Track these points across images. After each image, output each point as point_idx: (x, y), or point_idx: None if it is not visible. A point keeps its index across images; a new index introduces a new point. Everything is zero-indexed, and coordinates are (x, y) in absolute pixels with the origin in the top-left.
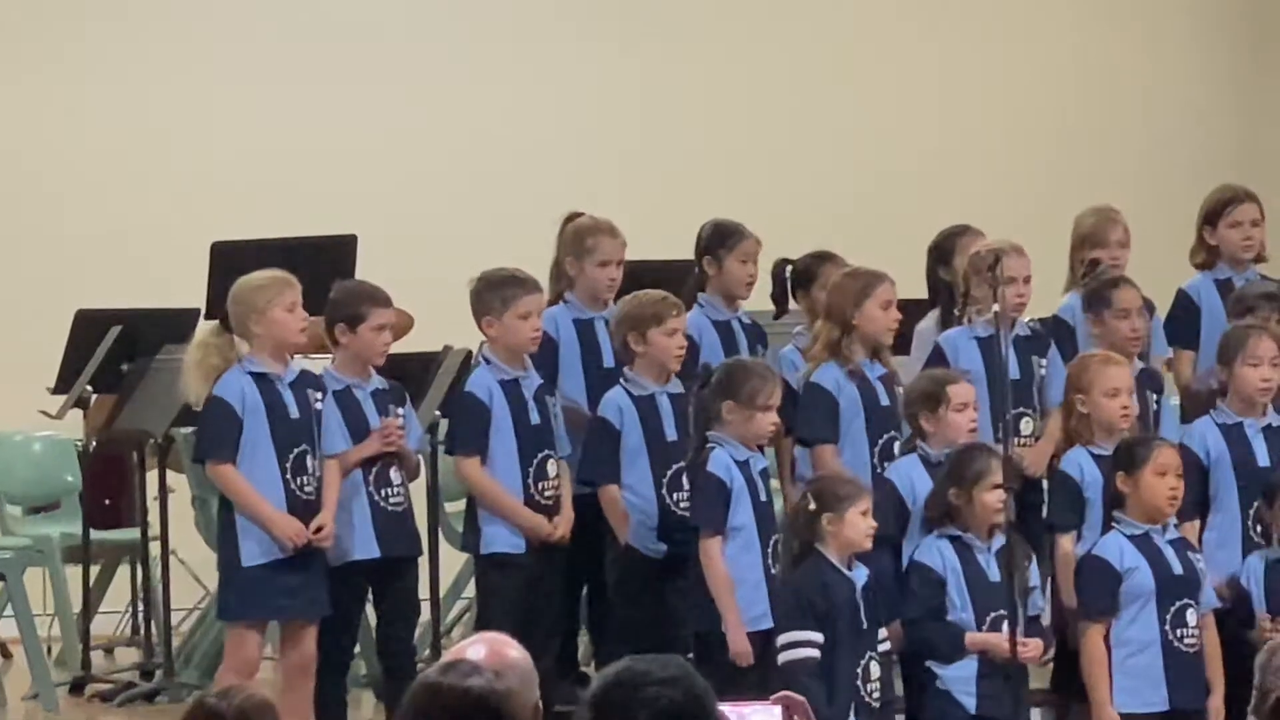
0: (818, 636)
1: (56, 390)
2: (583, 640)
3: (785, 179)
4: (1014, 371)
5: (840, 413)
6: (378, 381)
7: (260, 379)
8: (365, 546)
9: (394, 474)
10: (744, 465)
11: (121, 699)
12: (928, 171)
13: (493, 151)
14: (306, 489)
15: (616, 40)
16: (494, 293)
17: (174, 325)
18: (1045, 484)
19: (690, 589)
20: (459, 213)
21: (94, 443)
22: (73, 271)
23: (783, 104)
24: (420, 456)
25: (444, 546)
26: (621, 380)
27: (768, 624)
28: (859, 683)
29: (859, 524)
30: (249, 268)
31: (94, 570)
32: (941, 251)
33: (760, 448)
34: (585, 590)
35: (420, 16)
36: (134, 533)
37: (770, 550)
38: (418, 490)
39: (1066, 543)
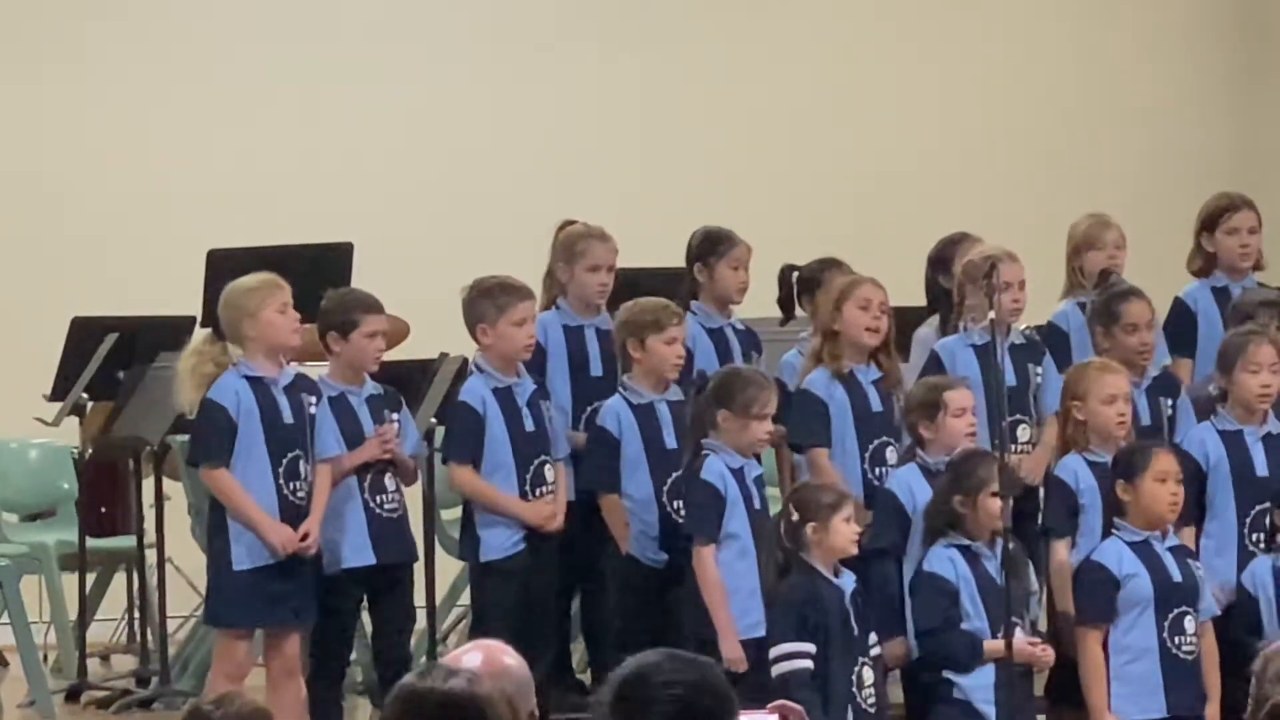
0: (809, 647)
1: (52, 397)
2: (577, 648)
3: (783, 186)
4: (1009, 378)
5: (830, 417)
6: (372, 388)
7: (255, 383)
8: (361, 553)
9: (389, 480)
10: (738, 473)
11: (118, 706)
12: (926, 178)
13: (488, 160)
14: (299, 494)
15: (611, 48)
16: (488, 300)
17: (170, 333)
18: (1040, 491)
19: (688, 596)
20: (454, 221)
21: (90, 450)
22: (69, 279)
23: (780, 111)
24: (416, 461)
25: (440, 553)
26: (620, 389)
27: (762, 632)
28: (853, 689)
29: (844, 531)
30: (245, 275)
31: (90, 577)
32: (941, 259)
33: (757, 455)
34: (579, 598)
35: (415, 26)
36: (130, 540)
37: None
38: (414, 497)
39: (1061, 549)
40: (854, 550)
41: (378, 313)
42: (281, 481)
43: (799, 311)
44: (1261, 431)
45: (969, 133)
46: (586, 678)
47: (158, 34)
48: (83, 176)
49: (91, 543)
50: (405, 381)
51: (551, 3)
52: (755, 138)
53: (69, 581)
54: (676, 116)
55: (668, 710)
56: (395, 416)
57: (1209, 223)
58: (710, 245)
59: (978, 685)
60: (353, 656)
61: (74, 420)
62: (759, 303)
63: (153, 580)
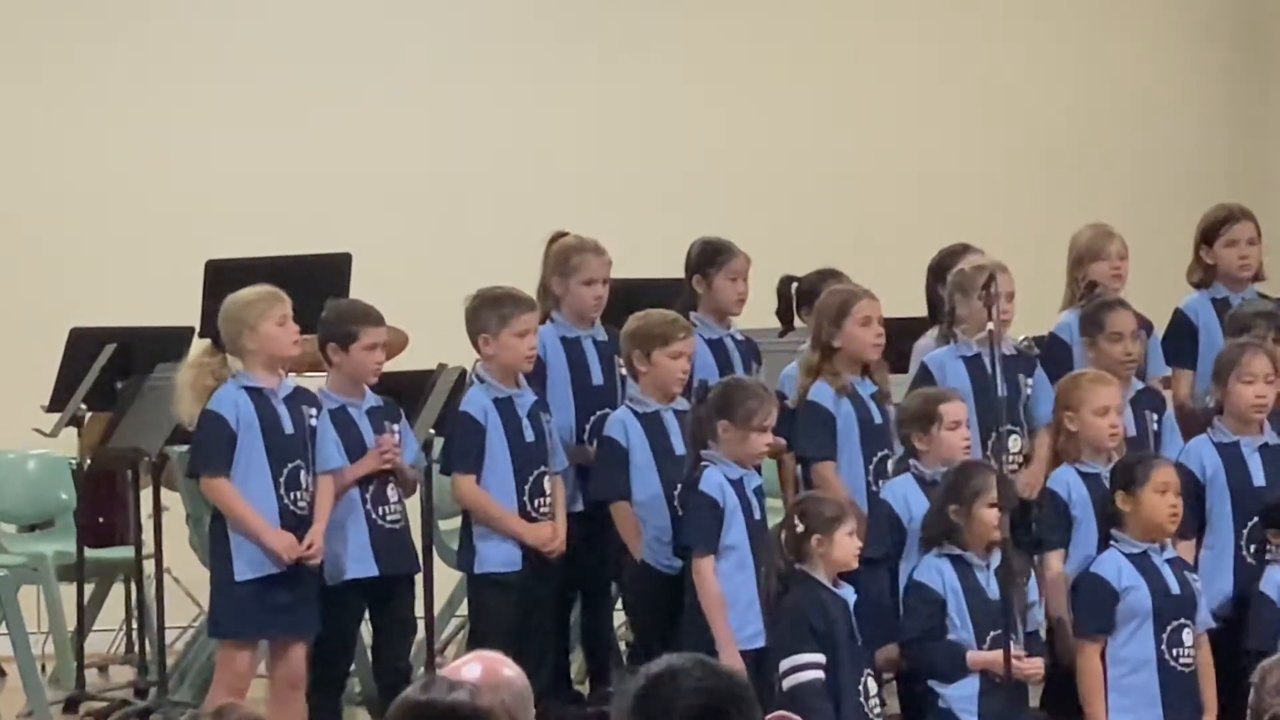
0: (820, 658)
1: (51, 408)
2: (576, 659)
3: (782, 196)
4: (1000, 389)
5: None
6: (372, 399)
7: (254, 394)
8: (363, 565)
9: (391, 491)
10: (738, 484)
11: (116, 717)
12: (925, 190)
13: (487, 171)
14: (300, 504)
15: (613, 60)
16: (490, 310)
17: (168, 344)
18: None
19: (691, 605)
20: (453, 232)
21: (88, 461)
22: (67, 290)
23: (779, 121)
24: (417, 472)
25: (438, 564)
26: (627, 401)
27: (761, 643)
28: (861, 699)
29: (847, 545)
30: (243, 286)
31: (88, 588)
32: (940, 270)
33: (757, 466)
34: (578, 608)
35: (415, 39)
36: (128, 551)
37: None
38: (412, 508)
39: (1056, 561)
40: (855, 564)
41: (377, 325)
42: (282, 491)
43: (798, 322)
44: (1258, 443)
45: (968, 146)
46: (585, 689)
47: (158, 46)
48: (81, 188)
49: (90, 553)
50: (404, 392)
51: (550, 15)
52: (754, 150)
53: (67, 592)
54: (676, 127)
55: (691, 713)
56: (395, 427)
57: (1208, 234)
58: (708, 256)
59: (961, 695)
60: (351, 667)
61: (72, 431)
62: (758, 314)
63: (151, 591)
